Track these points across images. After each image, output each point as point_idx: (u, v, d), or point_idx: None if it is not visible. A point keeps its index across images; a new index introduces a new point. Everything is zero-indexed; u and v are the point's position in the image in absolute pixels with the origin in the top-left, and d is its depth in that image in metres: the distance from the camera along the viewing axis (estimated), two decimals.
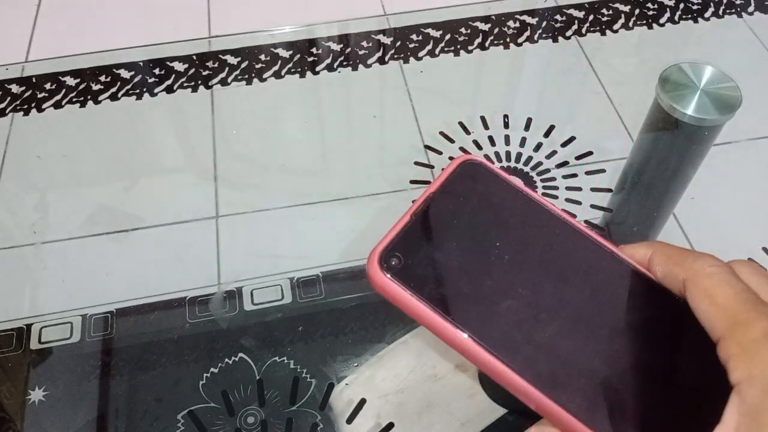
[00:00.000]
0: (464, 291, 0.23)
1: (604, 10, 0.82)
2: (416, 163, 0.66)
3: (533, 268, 0.23)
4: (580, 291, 0.23)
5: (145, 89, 0.73)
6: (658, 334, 0.23)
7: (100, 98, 0.73)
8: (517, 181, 0.26)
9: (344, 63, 0.76)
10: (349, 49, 0.77)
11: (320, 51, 0.77)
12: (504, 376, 0.22)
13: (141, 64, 0.76)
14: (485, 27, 0.80)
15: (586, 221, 0.61)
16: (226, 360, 0.52)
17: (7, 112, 0.71)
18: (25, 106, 0.72)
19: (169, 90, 0.73)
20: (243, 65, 0.76)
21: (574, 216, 0.26)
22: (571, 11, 0.82)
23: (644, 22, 0.81)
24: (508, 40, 0.79)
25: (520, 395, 0.22)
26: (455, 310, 0.22)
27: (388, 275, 0.23)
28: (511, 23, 0.80)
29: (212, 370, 0.52)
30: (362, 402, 0.49)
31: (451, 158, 0.66)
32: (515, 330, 0.22)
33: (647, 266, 0.24)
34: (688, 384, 0.22)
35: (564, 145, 0.67)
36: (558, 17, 0.81)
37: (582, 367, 0.22)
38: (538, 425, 0.23)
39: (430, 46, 0.78)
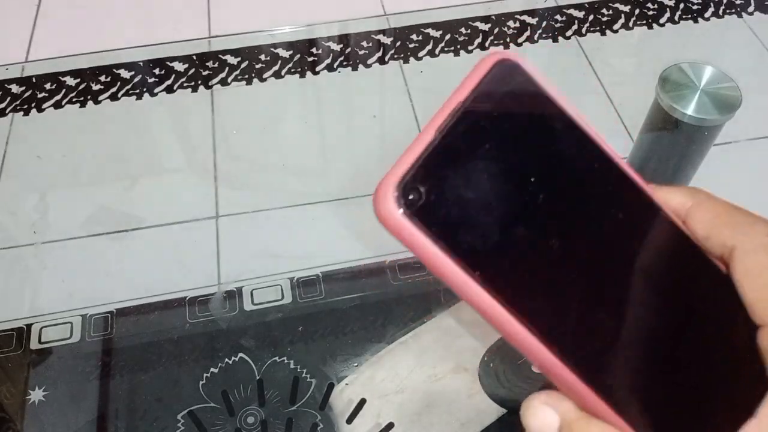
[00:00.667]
0: (497, 239, 0.18)
1: (604, 10, 0.82)
2: None
3: (569, 215, 0.19)
4: (617, 250, 0.19)
5: (145, 89, 0.73)
6: (691, 309, 0.19)
7: (100, 98, 0.73)
8: (560, 95, 0.20)
9: (344, 63, 0.76)
10: (349, 49, 0.77)
11: (320, 51, 0.77)
12: (529, 345, 0.18)
13: (141, 64, 0.76)
14: (485, 27, 0.80)
15: None
16: (226, 360, 0.52)
17: (7, 112, 0.71)
18: (25, 106, 0.72)
19: (169, 90, 0.73)
20: (243, 65, 0.76)
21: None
22: (571, 11, 0.82)
23: (644, 22, 0.81)
24: (508, 40, 0.79)
25: (545, 368, 0.19)
26: (485, 265, 0.18)
27: (407, 213, 0.17)
28: (511, 23, 0.80)
29: (212, 370, 0.52)
30: (362, 402, 0.49)
31: None
32: (546, 292, 0.19)
33: (683, 218, 0.20)
34: (720, 369, 0.19)
35: None
36: (558, 17, 0.81)
37: (609, 338, 0.19)
38: (548, 394, 0.19)
39: (430, 46, 0.78)
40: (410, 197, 0.17)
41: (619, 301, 0.19)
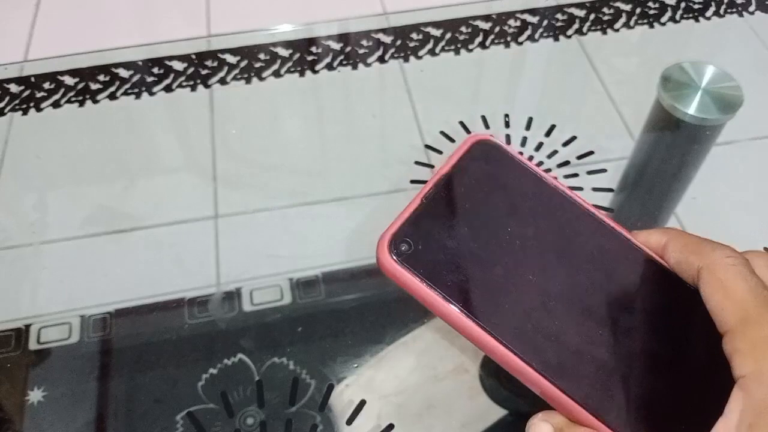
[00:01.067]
0: (475, 277, 0.22)
1: (605, 9, 0.82)
2: (416, 163, 0.65)
3: (545, 254, 0.23)
4: (592, 278, 0.23)
5: (143, 88, 0.73)
6: (666, 324, 0.23)
7: (98, 98, 0.72)
8: (530, 163, 0.25)
9: (344, 62, 0.76)
10: (348, 48, 0.77)
11: (320, 50, 0.77)
12: (511, 363, 0.22)
13: (140, 63, 0.76)
14: (486, 26, 0.80)
15: None
16: (225, 361, 0.52)
17: (5, 111, 0.71)
18: (24, 106, 0.72)
19: (168, 89, 0.73)
20: (242, 64, 0.75)
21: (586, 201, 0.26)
22: (572, 10, 0.81)
23: (645, 21, 0.80)
24: (508, 39, 0.78)
25: (528, 383, 0.22)
26: (465, 298, 0.22)
27: (398, 260, 0.22)
28: (512, 22, 0.80)
29: (211, 370, 0.52)
30: (362, 403, 0.48)
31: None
32: (525, 318, 0.22)
33: (661, 253, 0.24)
34: (692, 375, 0.22)
35: (565, 144, 0.67)
36: (559, 16, 0.81)
37: (589, 354, 0.22)
38: (546, 413, 0.23)
39: (430, 45, 0.77)
40: (401, 248, 0.22)
41: (603, 325, 0.22)
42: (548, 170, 0.65)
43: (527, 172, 0.25)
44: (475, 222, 0.23)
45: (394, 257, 0.22)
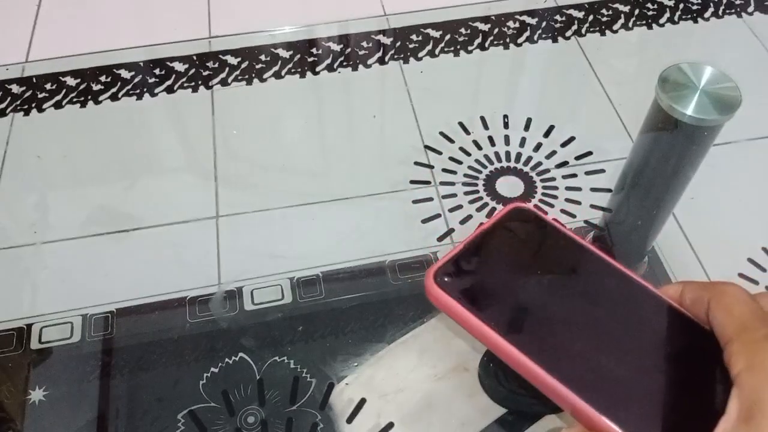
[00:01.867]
0: (503, 304, 0.27)
1: (603, 11, 0.82)
2: (416, 163, 0.66)
3: (570, 293, 0.28)
4: (611, 316, 0.27)
5: (145, 89, 0.73)
6: (683, 355, 0.26)
7: (100, 98, 0.73)
8: (562, 225, 0.30)
9: (344, 63, 0.76)
10: (349, 50, 0.77)
11: (320, 51, 0.77)
12: (531, 373, 0.26)
13: (141, 64, 0.76)
14: (485, 27, 0.80)
15: (586, 221, 0.61)
16: (227, 360, 0.52)
17: (7, 112, 0.72)
18: (26, 107, 0.72)
19: (170, 90, 0.73)
20: (243, 65, 0.76)
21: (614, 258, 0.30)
22: (571, 11, 0.82)
23: (644, 22, 0.81)
24: (507, 40, 0.79)
25: (547, 392, 0.26)
26: (492, 316, 0.27)
27: (441, 289, 0.28)
28: (510, 23, 0.80)
29: (212, 369, 0.52)
30: (362, 402, 0.49)
31: (451, 158, 0.66)
32: (540, 329, 0.27)
33: (679, 301, 0.28)
34: (705, 392, 0.25)
35: (564, 145, 0.67)
36: (558, 17, 0.81)
37: (614, 375, 0.25)
38: (570, 428, 0.26)
39: (430, 47, 0.78)
40: (445, 279, 0.28)
41: (625, 355, 0.26)
42: (546, 170, 0.65)
43: (558, 231, 0.30)
44: (508, 264, 0.29)
45: (438, 286, 0.28)
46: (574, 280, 0.28)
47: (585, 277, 0.28)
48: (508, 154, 0.66)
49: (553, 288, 0.28)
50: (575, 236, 0.29)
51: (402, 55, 0.77)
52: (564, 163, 0.65)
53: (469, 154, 0.66)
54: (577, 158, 0.66)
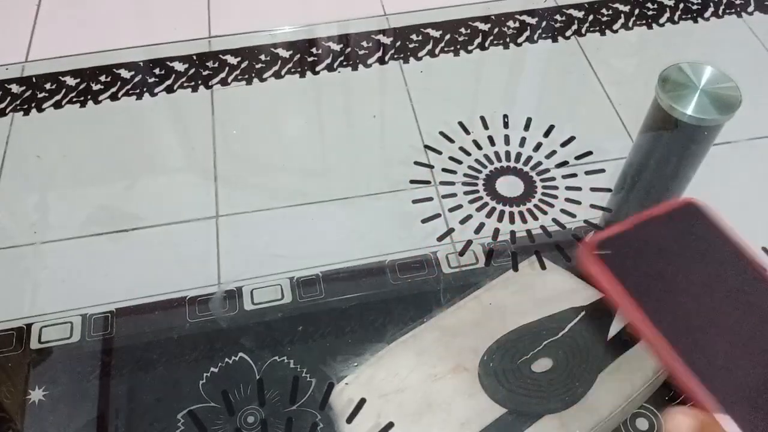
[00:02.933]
0: (655, 291, 0.28)
1: (603, 10, 0.82)
2: (416, 163, 0.66)
3: (722, 305, 0.28)
4: (761, 336, 0.27)
5: (145, 89, 0.73)
6: None
7: (100, 98, 0.73)
8: (734, 232, 0.30)
9: (344, 63, 0.76)
10: (349, 49, 0.77)
11: (320, 51, 0.77)
12: (662, 354, 0.26)
13: (141, 64, 0.76)
14: (485, 27, 0.80)
15: (586, 221, 0.61)
16: (226, 360, 0.52)
17: (7, 112, 0.71)
18: (25, 106, 0.72)
19: (170, 90, 0.73)
20: (243, 65, 0.76)
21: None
22: (571, 11, 0.82)
23: (644, 22, 0.81)
24: (507, 40, 0.79)
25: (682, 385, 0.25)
26: (640, 293, 0.28)
27: (597, 256, 0.28)
28: (510, 23, 0.80)
29: (212, 369, 0.52)
30: (362, 401, 0.49)
31: (451, 158, 0.66)
32: (678, 319, 0.27)
33: None
34: None
35: (564, 145, 0.67)
36: (558, 17, 0.81)
37: (752, 384, 0.25)
38: (674, 412, 0.26)
39: (429, 46, 0.78)
40: (604, 251, 0.28)
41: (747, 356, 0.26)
42: (546, 170, 0.65)
43: (725, 238, 0.30)
44: (665, 254, 0.29)
45: (595, 253, 0.28)
46: (730, 294, 0.29)
47: (742, 294, 0.29)
48: (508, 153, 0.66)
49: (706, 293, 0.28)
50: (747, 249, 0.30)
51: (402, 55, 0.77)
52: (564, 163, 0.65)
53: (469, 154, 0.66)
54: (577, 158, 0.66)
